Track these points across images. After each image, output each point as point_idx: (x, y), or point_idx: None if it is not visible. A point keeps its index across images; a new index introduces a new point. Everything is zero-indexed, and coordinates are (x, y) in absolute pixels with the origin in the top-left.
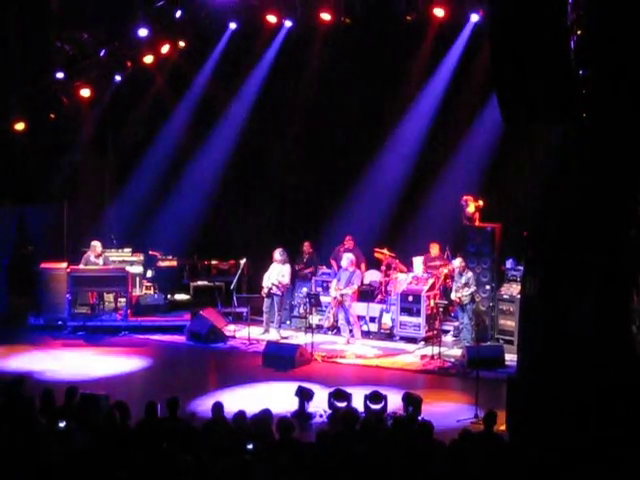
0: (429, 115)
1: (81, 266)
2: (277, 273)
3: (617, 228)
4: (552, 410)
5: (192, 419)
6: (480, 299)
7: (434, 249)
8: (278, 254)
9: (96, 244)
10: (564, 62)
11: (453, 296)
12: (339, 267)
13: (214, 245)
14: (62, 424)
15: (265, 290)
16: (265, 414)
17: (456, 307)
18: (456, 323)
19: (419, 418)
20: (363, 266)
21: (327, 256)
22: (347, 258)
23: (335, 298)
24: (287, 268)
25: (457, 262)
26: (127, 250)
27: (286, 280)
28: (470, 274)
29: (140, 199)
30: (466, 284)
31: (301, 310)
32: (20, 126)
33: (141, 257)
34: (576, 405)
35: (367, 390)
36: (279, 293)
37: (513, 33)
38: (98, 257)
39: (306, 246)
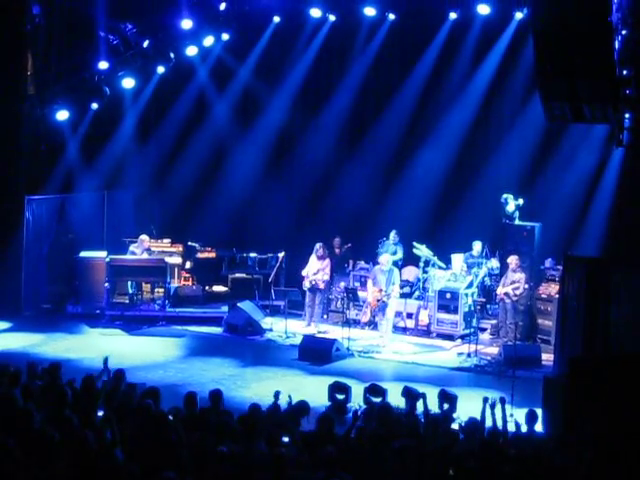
0: (471, 112)
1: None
2: (317, 268)
3: None
4: (589, 411)
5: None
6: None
7: (476, 247)
8: (321, 249)
9: (144, 238)
10: (608, 61)
11: (499, 290)
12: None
13: (252, 237)
14: (100, 413)
15: (309, 284)
16: (302, 406)
17: (499, 302)
18: (494, 321)
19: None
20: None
21: (365, 251)
22: (384, 257)
23: (379, 300)
24: (328, 262)
25: (511, 259)
26: (166, 241)
27: (327, 277)
28: (522, 275)
29: (180, 191)
30: (514, 282)
31: (338, 304)
32: (63, 115)
33: (180, 248)
34: (614, 406)
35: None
36: (322, 287)
37: (557, 32)
38: (145, 251)
39: (336, 241)
